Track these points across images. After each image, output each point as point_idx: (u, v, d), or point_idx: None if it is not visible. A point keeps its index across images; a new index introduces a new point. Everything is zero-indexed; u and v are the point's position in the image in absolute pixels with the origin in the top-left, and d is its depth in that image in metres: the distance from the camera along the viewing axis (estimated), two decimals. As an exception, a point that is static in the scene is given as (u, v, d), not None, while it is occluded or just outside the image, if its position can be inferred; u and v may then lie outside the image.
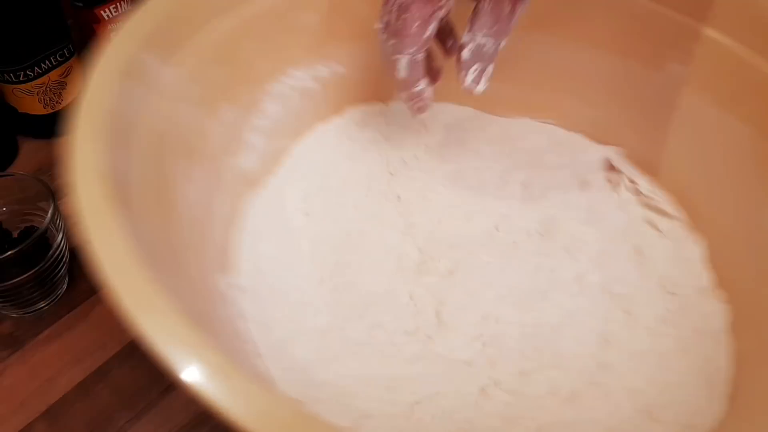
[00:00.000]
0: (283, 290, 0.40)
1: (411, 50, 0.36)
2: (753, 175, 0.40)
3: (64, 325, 0.43)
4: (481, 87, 0.37)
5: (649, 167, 0.46)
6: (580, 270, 0.42)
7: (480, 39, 0.35)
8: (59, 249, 0.42)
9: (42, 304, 0.43)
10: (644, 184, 0.46)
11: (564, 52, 0.46)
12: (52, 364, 0.41)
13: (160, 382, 0.39)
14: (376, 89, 0.50)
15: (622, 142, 0.48)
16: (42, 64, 0.50)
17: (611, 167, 0.47)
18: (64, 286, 0.45)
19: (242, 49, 0.41)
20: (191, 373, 0.22)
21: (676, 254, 0.43)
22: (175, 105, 0.36)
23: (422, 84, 0.39)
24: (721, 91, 0.41)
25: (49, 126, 0.53)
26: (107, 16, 0.52)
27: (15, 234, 0.44)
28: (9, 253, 0.39)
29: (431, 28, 0.36)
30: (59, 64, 0.51)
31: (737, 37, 0.39)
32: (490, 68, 0.37)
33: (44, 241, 0.41)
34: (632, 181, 0.46)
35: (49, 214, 0.41)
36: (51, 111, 0.52)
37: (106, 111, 0.30)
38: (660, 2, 0.41)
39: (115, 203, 0.27)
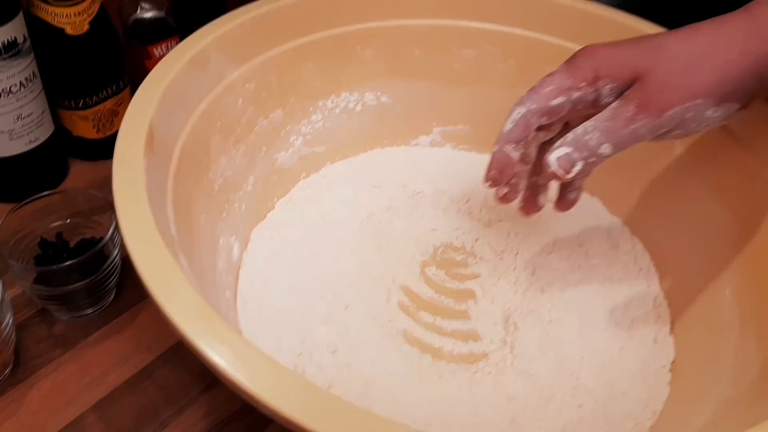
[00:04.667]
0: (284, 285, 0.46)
1: (530, 106, 0.35)
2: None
3: (113, 328, 0.47)
4: (565, 173, 0.33)
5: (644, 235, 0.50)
6: None
7: (588, 126, 0.33)
8: (113, 262, 0.46)
9: (89, 311, 0.48)
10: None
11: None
12: (102, 363, 0.45)
13: (200, 381, 0.44)
14: (416, 124, 0.56)
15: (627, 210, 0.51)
16: (100, 93, 0.55)
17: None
18: (112, 296, 0.49)
19: (305, 68, 0.49)
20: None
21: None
22: (232, 96, 0.45)
23: (517, 155, 0.36)
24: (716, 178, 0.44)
25: (100, 149, 0.58)
26: (159, 53, 0.58)
27: (71, 245, 0.48)
28: (69, 262, 0.44)
29: (559, 101, 0.34)
30: (114, 93, 0.56)
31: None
32: (580, 165, 0.33)
33: (101, 253, 0.45)
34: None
35: (111, 229, 0.45)
36: (103, 136, 0.58)
37: (166, 85, 0.38)
38: None
39: (149, 150, 0.36)
